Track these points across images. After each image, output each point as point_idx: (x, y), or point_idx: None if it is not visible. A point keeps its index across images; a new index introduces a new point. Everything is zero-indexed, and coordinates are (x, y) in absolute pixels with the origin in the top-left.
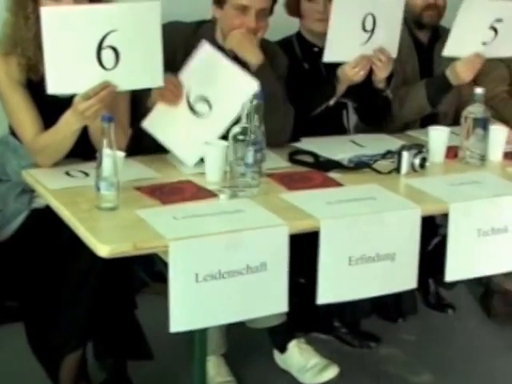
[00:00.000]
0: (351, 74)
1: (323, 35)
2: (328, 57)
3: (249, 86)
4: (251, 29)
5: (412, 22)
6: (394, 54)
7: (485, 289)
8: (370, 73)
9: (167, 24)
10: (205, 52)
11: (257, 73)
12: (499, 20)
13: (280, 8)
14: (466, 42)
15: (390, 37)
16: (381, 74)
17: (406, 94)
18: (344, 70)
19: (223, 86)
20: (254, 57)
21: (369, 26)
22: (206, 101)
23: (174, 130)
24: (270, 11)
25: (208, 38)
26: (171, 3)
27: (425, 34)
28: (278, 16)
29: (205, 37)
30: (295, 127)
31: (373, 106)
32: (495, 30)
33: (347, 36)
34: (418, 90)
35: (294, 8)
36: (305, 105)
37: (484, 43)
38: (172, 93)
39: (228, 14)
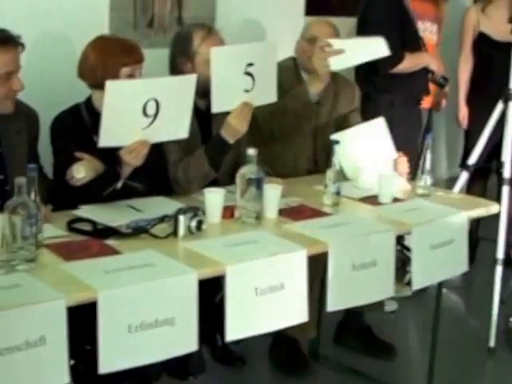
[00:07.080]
0: (128, 159)
1: None
2: (103, 142)
3: None
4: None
5: None
6: (183, 134)
7: (273, 339)
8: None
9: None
10: None
11: None
12: (251, 64)
13: None
14: (230, 94)
15: (177, 119)
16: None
17: (188, 164)
18: (121, 155)
19: None
20: None
21: (151, 111)
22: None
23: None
24: None
25: None
26: None
27: (204, 102)
28: None
29: None
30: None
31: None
32: (251, 76)
33: (124, 121)
34: (199, 158)
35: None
36: (89, 188)
37: (246, 91)
38: None
39: None
